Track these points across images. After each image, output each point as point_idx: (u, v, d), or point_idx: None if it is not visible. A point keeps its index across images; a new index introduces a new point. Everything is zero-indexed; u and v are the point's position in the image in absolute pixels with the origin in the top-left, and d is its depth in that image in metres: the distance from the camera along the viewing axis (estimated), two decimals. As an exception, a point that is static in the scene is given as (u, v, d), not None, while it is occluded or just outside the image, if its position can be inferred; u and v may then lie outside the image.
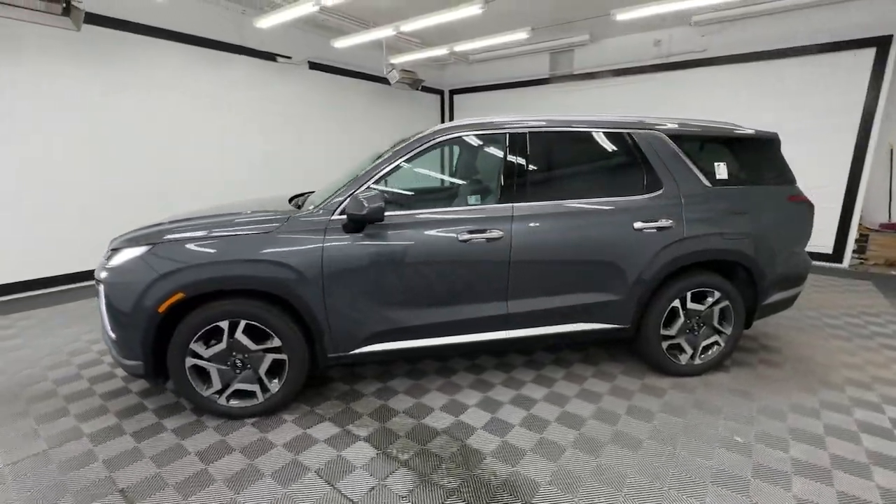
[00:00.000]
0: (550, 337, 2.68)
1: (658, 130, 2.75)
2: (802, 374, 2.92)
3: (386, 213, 2.39)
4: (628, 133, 2.71)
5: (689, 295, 2.74)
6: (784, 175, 2.95)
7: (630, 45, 7.15)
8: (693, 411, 2.50)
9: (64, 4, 3.71)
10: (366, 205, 2.20)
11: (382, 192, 2.42)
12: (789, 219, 2.90)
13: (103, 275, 2.27)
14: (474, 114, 9.15)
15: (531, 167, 2.62)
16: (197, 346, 2.29)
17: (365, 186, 2.42)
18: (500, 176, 2.59)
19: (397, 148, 2.54)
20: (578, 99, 7.83)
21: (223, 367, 2.35)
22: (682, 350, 2.84)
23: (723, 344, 2.88)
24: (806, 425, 2.37)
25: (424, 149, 2.51)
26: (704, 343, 2.87)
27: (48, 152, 4.46)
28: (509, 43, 7.11)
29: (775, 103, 6.09)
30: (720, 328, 2.86)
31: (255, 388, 2.40)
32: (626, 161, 2.72)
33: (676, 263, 2.64)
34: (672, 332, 2.77)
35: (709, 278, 2.73)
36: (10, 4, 3.55)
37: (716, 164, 2.81)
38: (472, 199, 2.75)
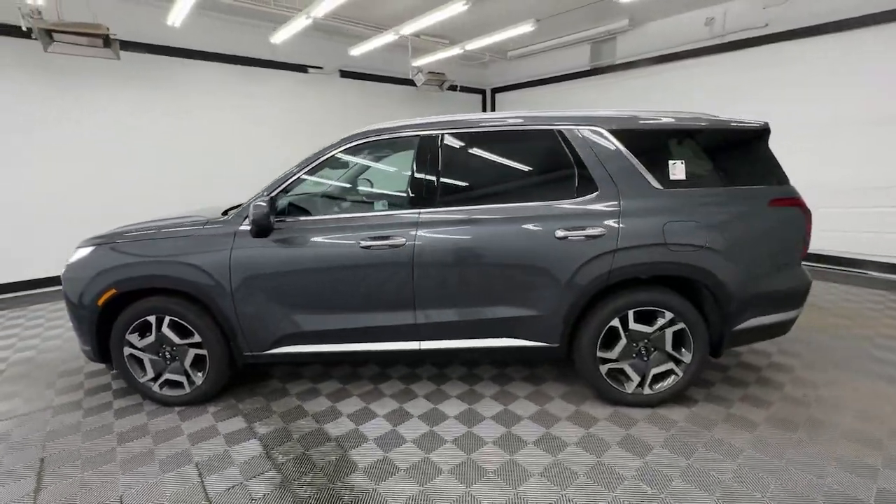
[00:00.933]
0: (467, 351, 2.52)
1: (598, 126, 2.42)
2: (800, 423, 2.37)
3: (294, 219, 2.46)
4: (558, 130, 2.43)
5: (631, 314, 2.38)
6: (768, 174, 2.41)
7: (677, 26, 6.37)
8: (611, 454, 2.15)
9: (103, 38, 4.38)
10: (252, 212, 2.28)
11: (278, 197, 2.48)
12: (770, 227, 2.36)
13: (62, 270, 2.63)
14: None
15: (444, 171, 2.47)
16: (132, 338, 2.56)
17: (268, 194, 2.48)
18: (411, 180, 2.49)
19: (308, 156, 2.57)
20: (623, 91, 7.18)
21: (155, 358, 2.59)
22: (628, 377, 2.48)
23: (680, 373, 2.45)
24: None
25: (330, 157, 2.51)
26: (656, 371, 2.46)
27: (99, 166, 5.28)
28: (546, 36, 6.76)
29: (859, 80, 4.99)
30: (676, 355, 2.44)
31: (183, 379, 2.61)
32: (555, 161, 2.44)
33: (610, 278, 2.31)
34: (612, 355, 2.43)
35: (656, 296, 2.34)
36: (64, 42, 4.27)
37: (671, 162, 2.40)
38: (380, 204, 2.68)
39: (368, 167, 3.02)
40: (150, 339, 2.55)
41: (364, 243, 2.38)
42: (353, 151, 2.56)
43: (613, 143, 2.40)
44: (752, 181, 2.39)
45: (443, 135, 2.48)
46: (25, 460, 2.20)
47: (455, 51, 6.51)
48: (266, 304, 2.46)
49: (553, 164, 2.45)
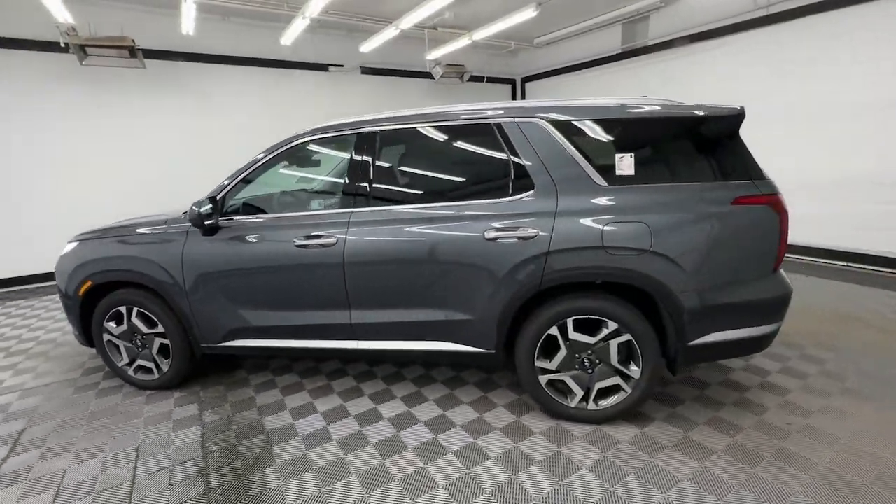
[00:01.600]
0: (405, 353, 2.46)
1: (537, 117, 2.24)
2: (765, 455, 2.06)
3: (240, 218, 2.55)
4: (496, 124, 2.28)
5: (570, 322, 2.19)
6: (737, 168, 2.07)
7: (716, -1, 5.71)
8: (529, 472, 2.00)
9: (129, 49, 4.79)
10: (189, 213, 2.38)
11: (222, 197, 2.56)
12: (733, 229, 2.04)
13: (55, 262, 2.94)
14: (545, 101, 8.49)
15: (379, 169, 2.42)
16: (109, 325, 2.80)
17: (210, 195, 2.56)
18: (346, 179, 2.46)
19: (255, 156, 2.63)
20: (658, 74, 6.59)
21: (128, 345, 2.82)
22: (570, 390, 2.29)
23: (628, 390, 2.22)
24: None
25: (274, 157, 2.55)
26: (601, 385, 2.25)
27: (129, 168, 5.81)
28: (574, 20, 6.38)
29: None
30: (622, 369, 2.21)
31: (152, 365, 2.82)
32: (491, 157, 2.29)
33: (543, 283, 2.14)
34: (552, 365, 2.26)
35: (597, 304, 2.13)
36: (96, 55, 4.74)
37: (618, 156, 2.16)
38: (317, 203, 2.67)
39: (316, 166, 3.04)
40: (124, 327, 2.79)
41: (298, 242, 2.41)
42: (299, 150, 2.58)
43: (554, 136, 2.20)
44: (717, 176, 2.08)
45: (378, 132, 2.43)
46: (8, 430, 2.50)
47: (465, 41, 6.32)
48: (215, 300, 2.58)
49: (489, 160, 2.30)
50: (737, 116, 2.08)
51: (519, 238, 2.14)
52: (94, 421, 2.56)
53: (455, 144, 2.38)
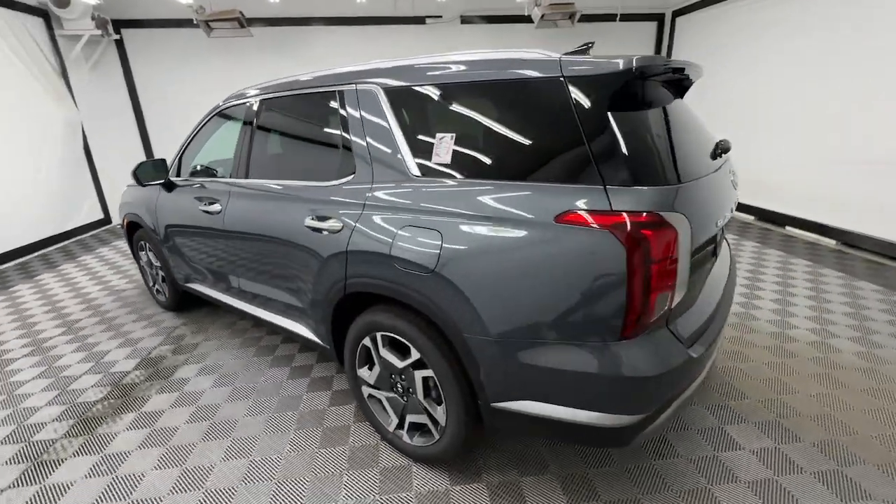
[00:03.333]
0: (278, 327, 2.46)
1: (372, 83, 1.79)
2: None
3: (178, 179, 2.89)
4: (339, 91, 1.93)
5: (379, 338, 1.83)
6: (591, 164, 1.27)
7: None
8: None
9: (237, 20, 5.61)
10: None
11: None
12: (552, 261, 1.29)
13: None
14: (700, 43, 6.51)
15: (256, 140, 2.36)
16: (141, 254, 3.63)
17: (176, 155, 2.93)
18: (238, 149, 2.48)
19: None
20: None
21: (150, 270, 3.61)
22: (386, 411, 1.96)
23: (436, 435, 1.77)
24: None
25: (203, 125, 2.73)
26: (412, 419, 1.85)
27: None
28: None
29: None
30: (427, 407, 1.76)
31: (163, 289, 3.56)
32: (331, 131, 1.97)
33: (348, 286, 1.82)
34: (370, 379, 1.96)
35: (396, 323, 1.72)
36: (218, 28, 5.73)
37: (438, 136, 1.58)
38: (221, 170, 2.71)
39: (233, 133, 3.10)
40: (145, 258, 3.57)
41: (201, 207, 2.60)
42: (220, 118, 2.71)
43: (382, 108, 1.75)
44: (565, 174, 1.34)
45: (262, 101, 2.34)
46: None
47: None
48: (172, 246, 3.04)
49: (327, 135, 1.99)
50: (616, 75, 1.27)
51: (327, 231, 1.85)
52: (125, 327, 3.43)
53: (310, 114, 2.13)
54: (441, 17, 6.75)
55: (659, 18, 7.19)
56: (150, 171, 2.85)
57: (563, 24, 6.42)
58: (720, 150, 1.73)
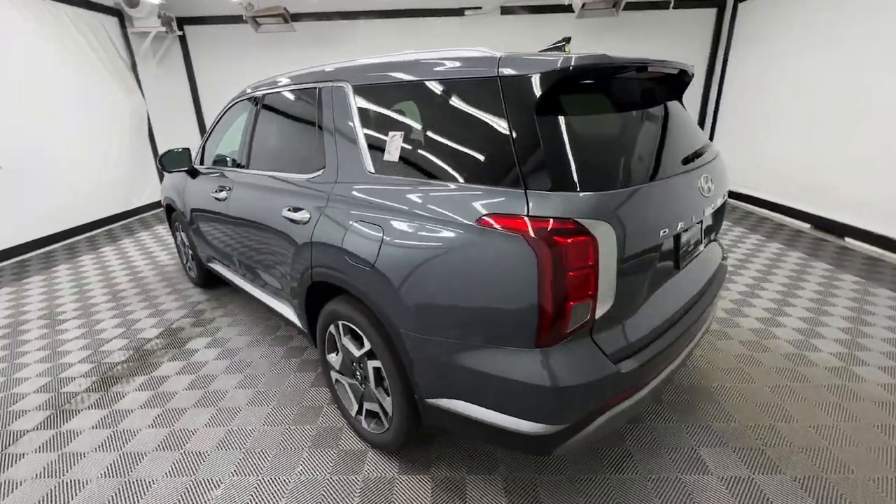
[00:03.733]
0: (272, 310, 2.64)
1: (342, 80, 1.85)
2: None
3: (201, 167, 3.13)
4: (318, 88, 2.01)
5: (341, 326, 1.92)
6: (517, 166, 1.24)
7: None
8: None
9: (282, 16, 5.91)
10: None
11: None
12: (471, 264, 1.28)
13: (166, 185, 4.28)
14: (758, 34, 5.93)
15: (255, 132, 2.51)
16: (177, 235, 4.00)
17: (201, 144, 3.18)
18: (241, 141, 2.65)
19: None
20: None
21: (182, 248, 3.97)
22: (349, 396, 2.05)
23: (386, 423, 1.83)
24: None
25: (221, 117, 2.94)
26: (368, 406, 1.93)
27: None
28: None
29: None
30: (378, 396, 1.82)
31: (192, 266, 3.91)
32: (305, 127, 2.06)
33: (314, 275, 1.92)
34: (336, 364, 2.06)
35: (350, 314, 1.78)
36: (265, 24, 6.07)
37: (390, 134, 1.61)
38: (230, 161, 2.88)
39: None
40: (178, 238, 3.94)
41: (213, 193, 2.82)
42: (233, 111, 2.90)
43: (349, 104, 1.81)
44: (493, 177, 1.32)
45: (258, 95, 2.49)
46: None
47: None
48: (196, 228, 3.32)
49: (303, 129, 2.09)
50: (547, 75, 1.24)
51: (299, 221, 1.95)
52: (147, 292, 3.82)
53: (296, 109, 2.23)
54: (480, 8, 6.67)
55: (720, 4, 6.62)
56: (175, 159, 3.12)
57: (605, 14, 6.11)
58: (696, 155, 1.61)
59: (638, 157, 1.40)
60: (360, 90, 1.78)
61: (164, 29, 6.34)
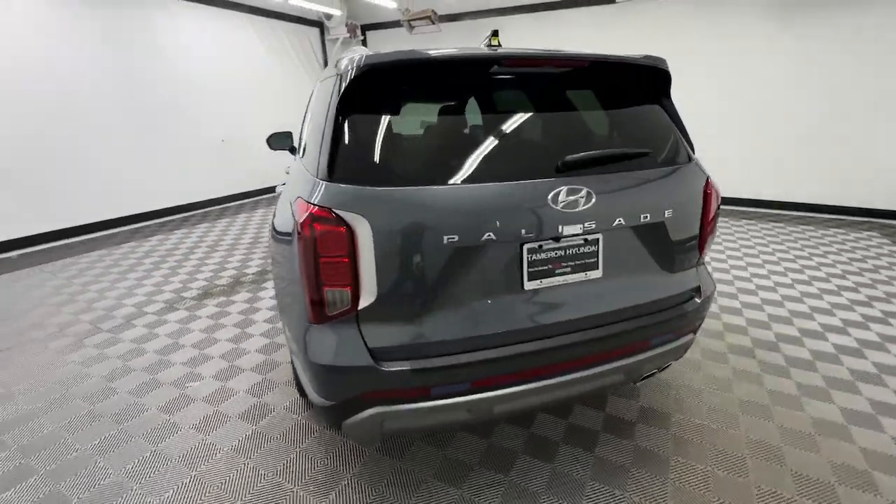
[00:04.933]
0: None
1: (336, 75, 2.16)
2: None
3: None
4: (336, 78, 2.36)
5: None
6: (319, 159, 1.35)
7: None
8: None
9: (429, 18, 6.53)
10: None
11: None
12: (288, 245, 1.44)
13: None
14: None
15: (305, 122, 3.02)
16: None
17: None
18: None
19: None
20: None
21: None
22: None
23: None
24: None
25: (308, 104, 3.59)
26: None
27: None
28: None
29: None
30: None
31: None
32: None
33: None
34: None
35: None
36: (417, 27, 6.82)
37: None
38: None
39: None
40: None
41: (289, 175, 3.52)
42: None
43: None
44: (315, 167, 1.45)
45: (318, 84, 2.99)
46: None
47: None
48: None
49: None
50: (349, 74, 1.32)
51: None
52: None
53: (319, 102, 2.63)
54: (634, -7, 5.97)
55: None
56: (278, 140, 3.95)
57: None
58: (571, 165, 1.37)
59: (455, 158, 1.30)
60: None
61: (348, 35, 7.76)
